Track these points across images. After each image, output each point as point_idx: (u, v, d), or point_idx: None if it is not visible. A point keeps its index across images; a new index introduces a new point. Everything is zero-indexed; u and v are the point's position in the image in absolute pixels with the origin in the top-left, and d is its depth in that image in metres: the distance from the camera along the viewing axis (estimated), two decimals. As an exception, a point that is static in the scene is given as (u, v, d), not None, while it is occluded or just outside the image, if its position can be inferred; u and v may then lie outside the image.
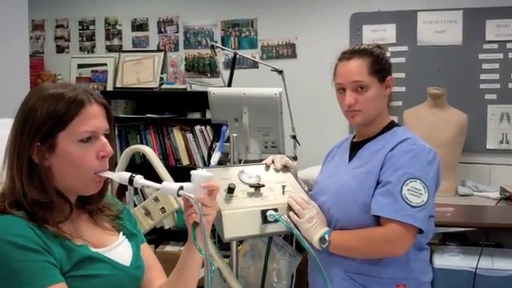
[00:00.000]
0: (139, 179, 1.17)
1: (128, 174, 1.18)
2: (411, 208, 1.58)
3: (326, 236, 1.66)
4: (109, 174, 1.18)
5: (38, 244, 1.07)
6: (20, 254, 1.04)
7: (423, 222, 1.60)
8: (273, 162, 1.86)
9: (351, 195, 1.68)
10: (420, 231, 1.62)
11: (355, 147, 1.79)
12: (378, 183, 1.65)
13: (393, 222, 1.59)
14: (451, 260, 2.80)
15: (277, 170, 1.83)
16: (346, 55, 1.73)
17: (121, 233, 1.29)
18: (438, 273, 2.74)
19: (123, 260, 1.22)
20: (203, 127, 4.17)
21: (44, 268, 1.06)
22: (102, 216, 1.27)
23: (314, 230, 1.66)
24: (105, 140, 1.17)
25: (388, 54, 1.82)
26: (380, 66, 1.71)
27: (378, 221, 1.64)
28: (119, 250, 1.24)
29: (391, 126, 1.77)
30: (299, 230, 1.66)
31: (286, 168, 1.85)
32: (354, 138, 1.85)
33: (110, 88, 4.55)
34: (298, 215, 1.68)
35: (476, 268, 2.70)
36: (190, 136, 4.21)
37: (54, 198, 1.14)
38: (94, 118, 1.15)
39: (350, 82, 1.70)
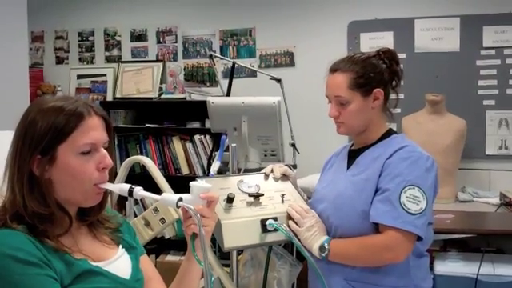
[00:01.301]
0: (138, 191, 1.18)
1: (127, 186, 1.18)
2: (410, 215, 1.58)
3: (326, 244, 1.66)
4: (109, 186, 1.19)
5: (38, 258, 1.07)
6: (21, 268, 1.05)
7: (422, 229, 1.61)
8: (272, 171, 1.86)
9: (350, 203, 1.68)
10: (419, 238, 1.62)
11: (353, 155, 1.80)
12: (376, 190, 1.66)
13: (392, 229, 1.59)
14: (452, 266, 2.79)
15: (276, 179, 1.84)
16: (333, 67, 1.75)
17: (120, 246, 1.29)
18: (440, 279, 2.74)
19: (123, 273, 1.22)
20: (203, 136, 4.17)
21: (45, 282, 1.06)
22: (101, 229, 1.27)
23: (313, 238, 1.67)
24: (104, 152, 1.18)
25: (382, 63, 1.74)
26: (365, 80, 1.70)
27: (376, 228, 1.64)
28: (118, 263, 1.24)
29: (389, 133, 1.78)
30: (299, 239, 1.66)
31: (285, 177, 1.85)
32: (352, 145, 1.85)
33: (109, 98, 4.56)
34: (297, 224, 1.68)
35: (477, 274, 2.70)
36: (189, 145, 4.22)
37: (54, 210, 1.14)
38: (93, 130, 1.16)
39: (333, 96, 1.73)
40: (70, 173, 1.14)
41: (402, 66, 1.81)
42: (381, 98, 1.73)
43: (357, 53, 1.78)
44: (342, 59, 1.75)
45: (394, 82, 1.77)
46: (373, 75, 1.71)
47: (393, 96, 1.79)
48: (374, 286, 1.66)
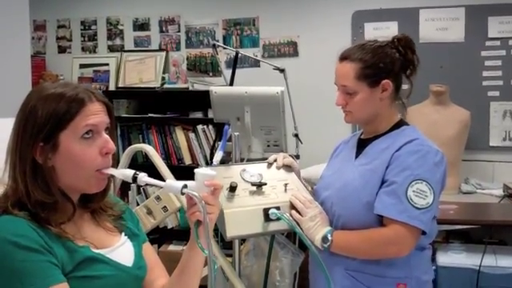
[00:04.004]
0: (143, 177, 1.17)
1: (132, 172, 1.17)
2: (416, 210, 1.57)
3: (329, 235, 1.65)
4: (112, 171, 1.18)
5: (39, 244, 1.07)
6: (22, 254, 1.04)
7: (427, 224, 1.59)
8: (275, 160, 1.85)
9: (355, 193, 1.67)
10: (423, 232, 1.61)
11: (362, 144, 1.78)
12: (383, 182, 1.64)
13: (396, 222, 1.58)
14: (455, 258, 2.79)
15: (278, 168, 1.82)
16: (342, 55, 1.71)
17: (123, 233, 1.28)
18: (442, 271, 2.74)
19: (125, 260, 1.22)
20: (205, 126, 4.17)
21: (46, 268, 1.06)
22: (104, 216, 1.27)
23: (316, 228, 1.66)
24: (107, 137, 1.17)
25: (396, 52, 1.69)
26: (373, 70, 1.66)
27: (380, 220, 1.63)
28: (121, 250, 1.23)
29: (399, 124, 1.75)
30: (301, 229, 1.65)
31: (289, 168, 1.84)
32: (361, 134, 1.83)
33: (112, 88, 4.55)
34: (300, 213, 1.67)
35: (480, 266, 2.70)
36: (192, 135, 4.22)
37: (58, 198, 1.14)
38: (94, 115, 1.15)
39: (340, 85, 1.71)
40: (72, 159, 1.13)
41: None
42: (389, 89, 1.69)
43: (369, 40, 1.73)
44: (353, 47, 1.72)
45: (408, 70, 1.73)
46: (382, 66, 1.67)
47: (406, 86, 1.74)
48: (375, 276, 1.65)
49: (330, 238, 1.64)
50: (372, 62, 1.67)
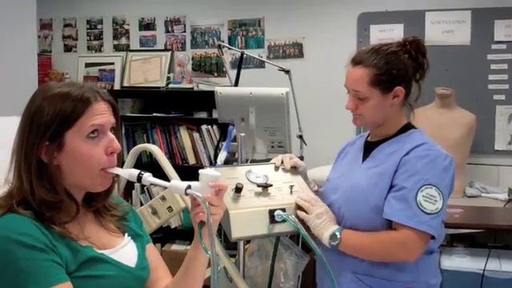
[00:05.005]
0: (148, 177, 1.17)
1: (137, 171, 1.18)
2: (425, 215, 1.56)
3: (338, 233, 1.63)
4: (117, 171, 1.18)
5: (44, 243, 1.07)
6: (26, 253, 1.04)
7: (436, 229, 1.58)
8: (282, 162, 1.84)
9: (363, 196, 1.66)
10: (432, 237, 1.60)
11: (369, 147, 1.76)
12: (391, 186, 1.63)
13: (406, 227, 1.57)
14: (459, 262, 2.78)
15: (285, 170, 1.82)
16: (356, 59, 1.68)
17: (126, 234, 1.28)
18: (446, 274, 2.72)
19: (128, 261, 1.22)
20: (210, 127, 4.17)
21: (50, 267, 1.06)
22: (107, 216, 1.27)
23: (324, 226, 1.64)
24: (112, 136, 1.17)
25: (408, 57, 1.66)
26: (387, 77, 1.64)
27: (388, 224, 1.62)
28: (124, 251, 1.23)
29: (407, 127, 1.73)
30: (307, 229, 1.63)
31: (294, 169, 1.83)
32: (368, 136, 1.82)
33: (117, 87, 4.56)
34: (306, 212, 1.65)
35: (484, 270, 2.69)
36: (196, 135, 4.22)
37: (63, 197, 1.14)
38: (100, 115, 1.15)
39: (351, 89, 1.69)
40: (78, 158, 1.13)
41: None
42: (401, 95, 1.67)
43: (383, 44, 1.69)
44: (367, 51, 1.68)
45: (418, 74, 1.71)
46: (396, 72, 1.65)
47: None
48: (383, 280, 1.64)
49: (338, 236, 1.63)
50: (386, 68, 1.64)
